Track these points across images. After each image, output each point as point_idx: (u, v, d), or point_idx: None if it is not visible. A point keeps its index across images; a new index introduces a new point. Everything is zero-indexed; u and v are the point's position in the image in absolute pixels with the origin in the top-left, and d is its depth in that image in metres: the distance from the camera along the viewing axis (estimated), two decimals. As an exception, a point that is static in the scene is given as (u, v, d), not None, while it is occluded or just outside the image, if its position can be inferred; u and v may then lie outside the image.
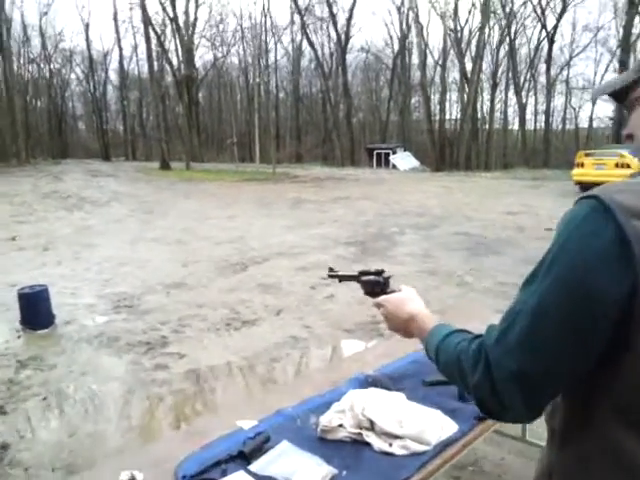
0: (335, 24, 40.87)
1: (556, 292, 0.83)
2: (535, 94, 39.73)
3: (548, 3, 36.63)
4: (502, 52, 38.77)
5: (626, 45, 28.69)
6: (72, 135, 55.37)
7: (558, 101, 39.20)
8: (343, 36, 41.19)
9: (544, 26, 37.20)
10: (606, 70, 36.44)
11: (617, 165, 15.17)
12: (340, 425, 1.76)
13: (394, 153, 34.67)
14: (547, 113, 38.05)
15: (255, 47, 44.15)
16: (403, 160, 33.67)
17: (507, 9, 36.38)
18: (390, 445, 1.72)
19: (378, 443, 1.72)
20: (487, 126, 40.32)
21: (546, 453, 0.98)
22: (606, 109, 41.07)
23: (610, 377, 0.82)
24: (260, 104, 40.97)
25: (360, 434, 1.75)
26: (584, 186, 16.33)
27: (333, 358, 4.69)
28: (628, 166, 15.15)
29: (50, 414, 3.51)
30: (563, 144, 38.69)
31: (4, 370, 4.15)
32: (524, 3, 37.17)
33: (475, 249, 9.01)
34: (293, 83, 48.47)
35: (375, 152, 35.66)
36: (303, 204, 15.48)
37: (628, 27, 28.33)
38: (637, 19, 28.40)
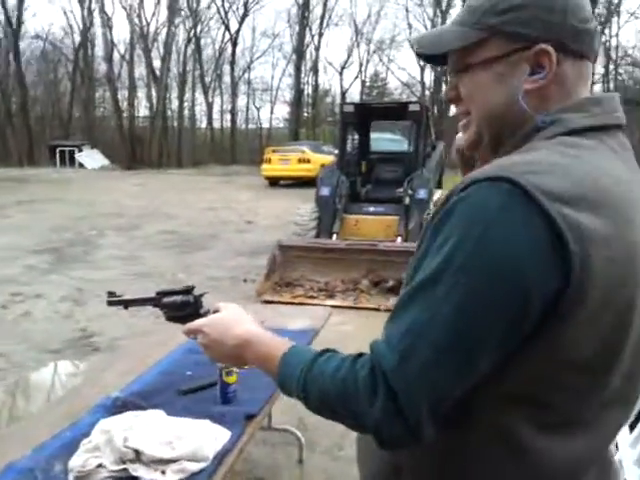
0: (4, 3, 35.29)
1: (478, 293, 0.70)
2: (221, 94, 41.35)
3: (231, 6, 38.31)
4: (189, 51, 39.30)
5: (300, 51, 32.03)
6: None
7: (242, 101, 41.42)
8: (15, 19, 36.02)
9: (227, 28, 38.93)
10: (283, 74, 39.78)
11: (299, 160, 16.86)
12: (99, 465, 1.44)
13: (80, 151, 32.10)
14: (233, 112, 40.06)
15: None
16: (90, 158, 31.38)
17: (193, 8, 36.89)
18: (163, 473, 1.48)
19: (148, 474, 1.47)
20: (176, 124, 40.47)
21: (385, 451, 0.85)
22: (282, 110, 45.31)
23: (507, 367, 0.74)
24: None
25: (125, 469, 1.47)
26: (272, 180, 17.74)
27: (58, 388, 4.03)
28: (308, 161, 16.98)
29: None
30: (247, 142, 41.23)
31: None
32: (209, 4, 38.16)
33: (183, 246, 8.91)
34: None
35: (58, 149, 32.44)
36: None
37: (301, 35, 31.66)
38: (307, 30, 31.96)
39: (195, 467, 1.51)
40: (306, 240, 6.42)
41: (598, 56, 0.86)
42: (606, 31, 25.54)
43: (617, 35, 26.07)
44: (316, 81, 35.44)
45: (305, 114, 36.80)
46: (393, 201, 7.17)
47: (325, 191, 6.89)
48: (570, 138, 0.78)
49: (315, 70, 35.06)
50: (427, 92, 32.65)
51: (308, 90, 36.36)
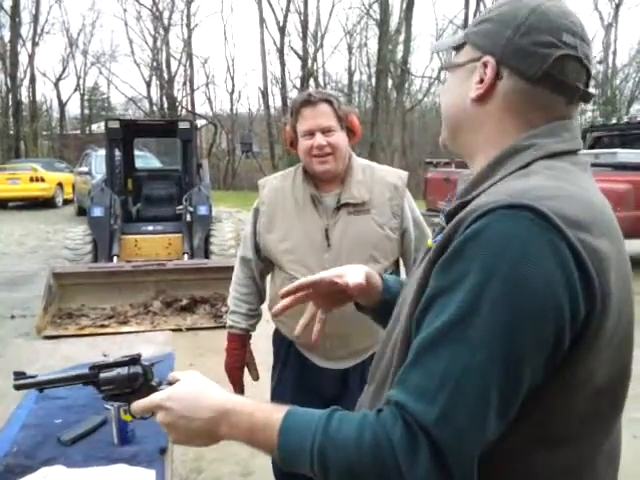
0: None
1: (515, 332, 0.66)
2: None
3: None
4: None
5: (15, 59, 28.28)
6: None
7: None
8: None
9: None
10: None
11: (32, 179, 15.13)
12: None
13: None
14: None
15: None
16: None
17: None
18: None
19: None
20: None
21: None
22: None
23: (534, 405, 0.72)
24: None
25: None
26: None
27: None
28: (43, 180, 15.37)
29: None
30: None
31: None
32: None
33: None
34: None
35: None
36: None
37: (13, 42, 28.03)
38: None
39: (144, 513, 1.40)
40: (85, 265, 5.87)
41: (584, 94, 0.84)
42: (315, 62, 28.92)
43: (324, 65, 30.37)
44: (33, 93, 31.79)
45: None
46: (170, 219, 7.05)
47: (98, 212, 6.40)
48: (551, 162, 0.78)
49: (32, 80, 31.48)
50: (155, 108, 31.85)
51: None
